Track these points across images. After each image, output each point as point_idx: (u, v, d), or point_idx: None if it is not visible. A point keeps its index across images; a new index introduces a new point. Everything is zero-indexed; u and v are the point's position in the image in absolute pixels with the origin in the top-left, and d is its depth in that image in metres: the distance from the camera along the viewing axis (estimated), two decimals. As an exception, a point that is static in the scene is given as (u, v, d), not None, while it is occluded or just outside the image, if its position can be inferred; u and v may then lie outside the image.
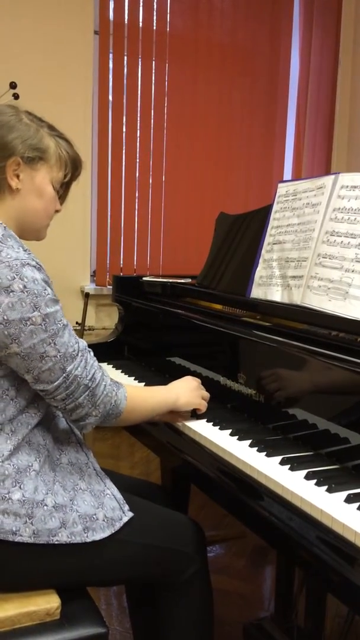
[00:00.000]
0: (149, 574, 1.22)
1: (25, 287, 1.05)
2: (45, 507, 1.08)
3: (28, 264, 1.07)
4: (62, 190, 1.28)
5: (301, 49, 3.72)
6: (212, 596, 1.29)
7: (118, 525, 1.14)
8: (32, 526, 1.07)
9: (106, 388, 1.15)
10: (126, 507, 1.17)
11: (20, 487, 1.08)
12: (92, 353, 1.16)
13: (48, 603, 1.10)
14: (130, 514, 1.16)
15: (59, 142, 1.23)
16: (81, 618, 1.11)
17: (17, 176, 1.17)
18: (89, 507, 1.13)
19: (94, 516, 1.12)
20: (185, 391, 1.33)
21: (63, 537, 1.09)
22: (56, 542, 1.08)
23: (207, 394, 1.39)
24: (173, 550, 1.21)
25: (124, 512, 1.16)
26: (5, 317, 1.04)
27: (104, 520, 1.13)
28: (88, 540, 1.11)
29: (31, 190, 1.19)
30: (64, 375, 1.09)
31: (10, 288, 1.04)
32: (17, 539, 1.06)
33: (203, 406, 1.37)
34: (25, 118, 1.21)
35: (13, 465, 1.09)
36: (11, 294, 1.04)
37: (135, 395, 1.22)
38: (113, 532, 1.13)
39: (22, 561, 1.09)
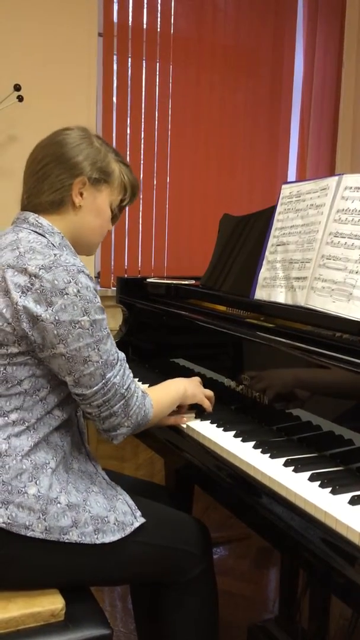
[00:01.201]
0: (155, 574, 1.22)
1: (79, 292, 1.10)
2: (58, 505, 1.10)
3: (83, 271, 1.13)
4: (117, 212, 1.35)
5: (305, 51, 3.72)
6: (218, 596, 1.29)
7: (129, 530, 1.15)
8: (45, 522, 1.08)
9: (138, 399, 1.19)
10: (138, 513, 1.18)
11: (36, 483, 1.09)
12: (127, 365, 1.20)
13: (52, 604, 1.10)
14: (142, 520, 1.17)
15: (122, 167, 1.31)
16: (85, 619, 1.11)
17: (81, 194, 1.24)
18: (101, 509, 1.14)
19: (106, 518, 1.14)
20: (189, 383, 1.37)
21: (73, 537, 1.10)
22: (66, 541, 1.09)
23: (210, 392, 1.40)
24: (179, 550, 1.21)
25: (135, 518, 1.17)
26: (56, 318, 1.08)
27: (115, 524, 1.14)
28: (98, 542, 1.12)
29: (91, 209, 1.26)
30: (104, 381, 1.13)
31: (66, 291, 1.09)
32: (30, 533, 1.07)
33: (207, 404, 1.38)
34: (95, 142, 1.28)
35: (31, 461, 1.11)
36: (65, 296, 1.09)
37: (157, 399, 1.26)
38: (123, 536, 1.14)
39: (31, 557, 1.10)
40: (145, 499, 1.25)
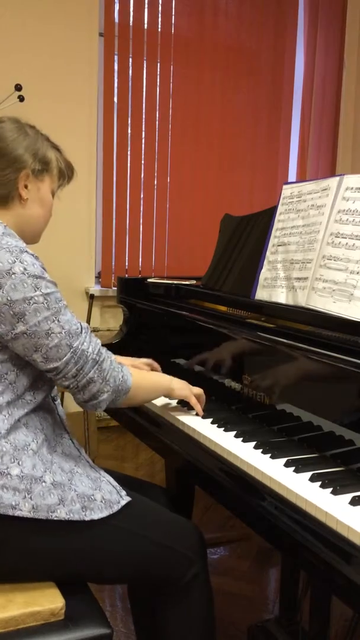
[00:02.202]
0: (148, 573, 1.21)
1: (25, 269, 1.12)
2: (43, 484, 1.11)
3: (26, 251, 1.15)
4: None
5: (306, 51, 3.72)
6: (213, 601, 1.28)
7: (116, 508, 1.16)
8: (31, 501, 1.09)
9: (112, 363, 1.20)
10: (123, 492, 1.20)
11: (18, 464, 1.11)
12: (93, 334, 1.22)
13: (52, 603, 1.10)
14: (128, 498, 1.19)
15: (56, 153, 1.31)
16: (85, 619, 1.11)
17: (26, 186, 1.25)
18: (87, 488, 1.16)
19: (92, 496, 1.15)
20: (177, 379, 1.39)
21: (62, 514, 1.11)
22: (55, 518, 1.10)
23: (199, 390, 1.41)
24: (172, 549, 1.20)
25: (121, 497, 1.19)
26: (9, 298, 1.10)
27: (101, 502, 1.16)
28: (86, 518, 1.13)
29: (36, 199, 1.27)
30: (72, 350, 1.14)
31: (12, 271, 1.11)
32: (17, 513, 1.08)
33: (194, 401, 1.39)
34: (29, 131, 1.28)
35: (10, 443, 1.12)
36: (13, 276, 1.10)
37: (136, 372, 1.27)
38: (111, 513, 1.15)
39: (21, 539, 1.11)
40: (143, 497, 1.26)
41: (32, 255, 1.15)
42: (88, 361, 1.16)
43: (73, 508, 1.12)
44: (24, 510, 1.08)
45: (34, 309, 1.11)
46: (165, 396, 1.40)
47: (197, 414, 1.41)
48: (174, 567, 1.20)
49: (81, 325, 1.18)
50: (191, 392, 1.39)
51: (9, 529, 1.09)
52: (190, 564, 1.21)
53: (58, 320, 1.13)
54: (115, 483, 1.21)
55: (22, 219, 1.26)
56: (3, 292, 1.09)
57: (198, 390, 1.41)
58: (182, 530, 1.25)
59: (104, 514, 1.14)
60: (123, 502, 1.18)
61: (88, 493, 1.15)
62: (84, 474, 1.19)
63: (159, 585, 1.23)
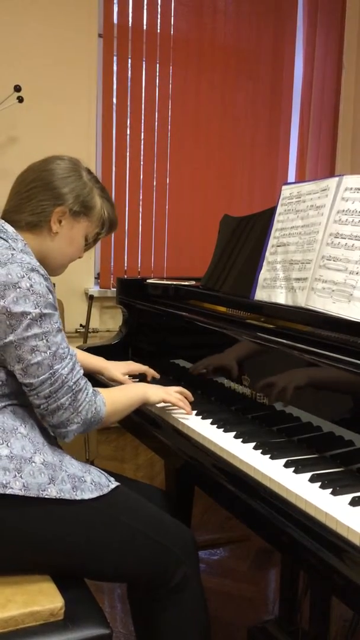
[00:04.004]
0: (137, 569, 1.21)
1: (31, 286, 1.15)
2: (33, 464, 1.13)
3: (37, 270, 1.18)
4: (92, 242, 1.40)
5: (305, 52, 3.73)
6: (206, 605, 1.27)
7: (106, 490, 1.19)
8: (21, 479, 1.11)
9: (88, 395, 1.22)
10: (112, 478, 1.23)
11: (7, 445, 1.13)
12: (78, 362, 1.24)
13: (52, 603, 1.10)
14: (117, 483, 1.22)
15: (105, 204, 1.37)
16: (85, 619, 1.11)
17: (60, 222, 1.30)
18: (77, 470, 1.19)
19: (82, 478, 1.18)
20: (152, 386, 1.43)
21: (52, 492, 1.13)
22: (46, 497, 1.12)
23: (178, 389, 1.43)
24: (161, 545, 1.21)
25: (110, 481, 1.22)
26: (9, 309, 1.13)
27: (91, 484, 1.18)
28: (77, 497, 1.15)
29: (66, 236, 1.32)
30: (51, 371, 1.17)
31: (19, 285, 1.14)
32: (8, 491, 1.09)
33: (174, 400, 1.40)
34: (85, 176, 1.34)
35: None
36: (18, 289, 1.13)
37: (111, 398, 1.29)
38: (101, 494, 1.18)
39: (12, 517, 1.12)
40: (136, 494, 1.27)
41: (42, 275, 1.18)
42: (64, 386, 1.17)
43: (64, 487, 1.14)
44: (15, 488, 1.10)
45: (27, 324, 1.14)
46: (145, 404, 1.40)
47: (197, 414, 1.41)
48: (162, 564, 1.20)
49: (69, 352, 1.20)
50: (168, 394, 1.41)
51: (1, 508, 1.11)
52: (178, 563, 1.21)
53: (47, 340, 1.16)
54: (102, 471, 1.25)
55: (46, 249, 1.30)
56: (5, 302, 1.12)
57: (176, 389, 1.43)
58: (173, 529, 1.25)
59: (94, 494, 1.17)
60: (112, 486, 1.21)
61: (78, 474, 1.18)
62: (73, 459, 1.22)
63: (148, 585, 1.23)
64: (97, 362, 1.61)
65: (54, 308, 1.18)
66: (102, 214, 1.36)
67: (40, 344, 1.15)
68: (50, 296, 1.18)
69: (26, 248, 1.25)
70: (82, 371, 1.23)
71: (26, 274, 1.14)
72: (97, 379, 1.69)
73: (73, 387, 1.19)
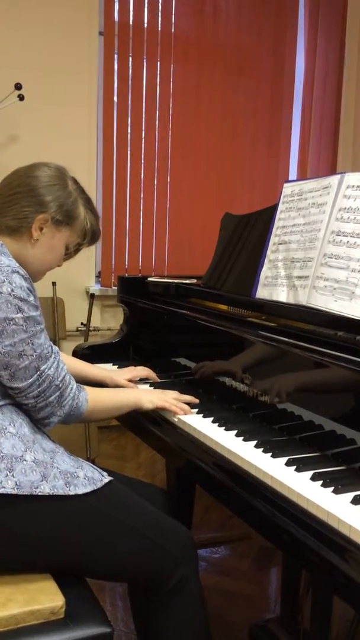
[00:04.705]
0: (133, 568, 1.21)
1: (12, 290, 1.15)
2: (24, 462, 1.14)
3: (17, 272, 1.18)
4: (72, 252, 1.40)
5: (306, 49, 3.72)
6: (205, 606, 1.27)
7: (100, 484, 1.19)
8: (13, 478, 1.11)
9: (73, 390, 1.25)
10: (105, 473, 1.23)
11: None
12: (60, 357, 1.26)
13: (52, 602, 1.10)
14: (110, 478, 1.22)
15: (88, 215, 1.36)
16: (86, 617, 1.11)
17: (41, 229, 1.29)
18: (69, 467, 1.19)
19: (75, 474, 1.18)
20: (148, 392, 1.43)
21: (45, 489, 1.13)
22: (39, 494, 1.12)
23: (172, 394, 1.42)
24: (158, 544, 1.20)
25: (103, 476, 1.22)
26: None
27: (84, 479, 1.18)
28: (70, 493, 1.15)
29: (46, 244, 1.31)
30: (38, 373, 1.18)
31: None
32: (0, 490, 1.09)
33: (171, 406, 1.40)
34: (70, 185, 1.33)
35: None
36: None
37: (96, 396, 1.31)
38: (95, 488, 1.18)
39: (7, 516, 1.12)
40: (134, 494, 1.27)
41: (23, 276, 1.18)
42: (51, 386, 1.20)
43: (56, 484, 1.14)
44: (7, 487, 1.10)
45: (12, 330, 1.14)
46: (138, 410, 1.41)
47: (198, 413, 1.41)
48: (158, 564, 1.20)
49: (52, 350, 1.22)
50: (162, 400, 1.40)
51: None
52: (176, 563, 1.20)
53: (32, 344, 1.17)
54: (95, 466, 1.25)
55: (25, 255, 1.29)
56: None
57: (173, 394, 1.43)
58: (171, 529, 1.25)
59: (88, 489, 1.17)
60: (106, 480, 1.21)
61: (71, 470, 1.18)
62: (65, 454, 1.22)
63: (147, 585, 1.22)
64: (100, 373, 1.61)
65: (35, 308, 1.19)
66: (85, 225, 1.35)
67: (27, 348, 1.16)
68: (32, 297, 1.19)
69: (3, 248, 1.24)
70: (65, 367, 1.24)
71: (7, 278, 1.14)
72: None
73: (60, 385, 1.21)
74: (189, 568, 1.23)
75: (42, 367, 1.18)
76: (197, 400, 1.46)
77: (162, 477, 2.74)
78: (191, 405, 1.43)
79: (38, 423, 1.25)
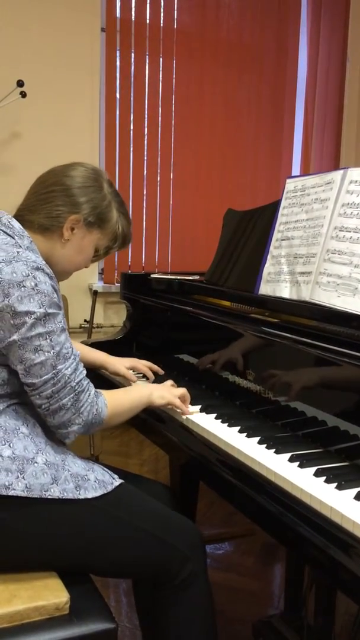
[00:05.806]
0: (142, 566, 1.21)
1: (36, 285, 1.13)
2: (36, 464, 1.13)
3: (43, 269, 1.16)
4: (102, 254, 1.39)
5: (309, 45, 3.70)
6: (213, 600, 1.27)
7: (110, 487, 1.19)
8: (24, 480, 1.11)
9: (90, 396, 1.20)
10: (116, 476, 1.23)
11: (9, 446, 1.13)
12: (82, 363, 1.22)
13: (57, 598, 1.10)
14: (121, 480, 1.22)
15: (121, 219, 1.36)
16: (90, 613, 1.11)
17: (72, 229, 1.29)
18: (80, 469, 1.18)
19: (86, 476, 1.18)
20: (158, 387, 1.39)
21: (55, 492, 1.12)
22: (49, 497, 1.12)
23: (182, 391, 1.40)
24: (166, 543, 1.20)
25: (114, 479, 1.22)
26: (13, 308, 1.12)
27: (95, 482, 1.18)
28: (80, 497, 1.14)
29: (76, 245, 1.31)
30: (54, 371, 1.15)
31: (23, 283, 1.13)
32: (11, 492, 1.09)
33: (178, 404, 1.38)
34: (105, 188, 1.33)
35: (0, 426, 1.15)
36: (22, 288, 1.12)
37: (113, 400, 1.26)
38: (105, 492, 1.17)
39: (16, 518, 1.12)
40: (141, 492, 1.26)
41: (48, 274, 1.17)
42: (66, 386, 1.16)
43: (67, 487, 1.14)
44: (18, 489, 1.10)
45: (31, 323, 1.13)
46: (149, 406, 1.37)
47: (201, 409, 1.41)
48: (167, 562, 1.20)
49: (72, 352, 1.19)
50: (173, 396, 1.38)
51: (4, 510, 1.11)
52: (185, 560, 1.21)
53: (50, 340, 1.14)
54: (106, 468, 1.24)
55: (55, 253, 1.29)
56: (9, 301, 1.12)
57: (180, 391, 1.40)
58: (178, 526, 1.25)
59: (98, 493, 1.17)
60: (116, 483, 1.20)
61: (82, 473, 1.17)
62: (76, 457, 1.22)
63: (155, 581, 1.23)
64: (100, 357, 1.60)
65: (58, 307, 1.17)
66: (117, 229, 1.35)
67: (44, 343, 1.13)
68: (55, 295, 1.17)
69: (32, 245, 1.24)
70: (85, 372, 1.21)
71: (31, 273, 1.13)
72: (99, 374, 1.69)
73: (76, 388, 1.17)
74: (198, 564, 1.23)
75: (60, 367, 1.15)
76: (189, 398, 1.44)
77: (166, 473, 2.74)
78: (194, 402, 1.43)
79: (57, 433, 1.21)
